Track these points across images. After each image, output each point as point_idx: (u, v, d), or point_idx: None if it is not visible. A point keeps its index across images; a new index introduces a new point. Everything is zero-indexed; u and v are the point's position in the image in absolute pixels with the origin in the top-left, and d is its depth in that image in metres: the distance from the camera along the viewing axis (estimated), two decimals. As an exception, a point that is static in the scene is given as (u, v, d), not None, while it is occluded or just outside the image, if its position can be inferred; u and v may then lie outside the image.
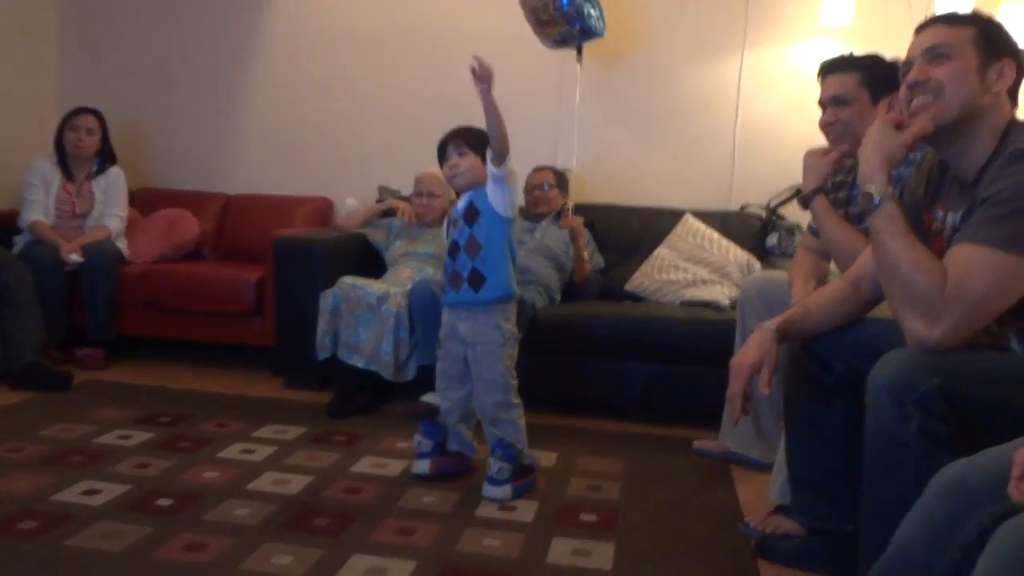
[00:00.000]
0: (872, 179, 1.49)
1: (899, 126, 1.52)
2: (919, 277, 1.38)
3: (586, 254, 3.26)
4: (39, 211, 3.48)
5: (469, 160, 2.23)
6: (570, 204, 3.45)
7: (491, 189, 2.20)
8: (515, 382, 2.25)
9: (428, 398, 2.69)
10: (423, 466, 2.27)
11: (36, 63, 4.12)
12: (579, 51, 3.51)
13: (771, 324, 1.69)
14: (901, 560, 1.17)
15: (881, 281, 1.49)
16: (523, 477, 2.21)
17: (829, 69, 2.10)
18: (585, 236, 3.33)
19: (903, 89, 1.54)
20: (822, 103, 2.11)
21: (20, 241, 3.46)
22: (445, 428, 2.31)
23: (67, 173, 3.57)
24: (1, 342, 3.05)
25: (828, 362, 1.72)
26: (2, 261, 3.18)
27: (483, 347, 2.21)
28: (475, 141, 2.24)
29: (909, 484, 1.31)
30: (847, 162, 2.14)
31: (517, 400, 2.25)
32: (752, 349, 1.64)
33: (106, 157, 3.66)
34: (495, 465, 2.16)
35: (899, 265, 1.42)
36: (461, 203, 2.27)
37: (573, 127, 3.71)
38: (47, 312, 3.22)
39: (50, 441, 2.43)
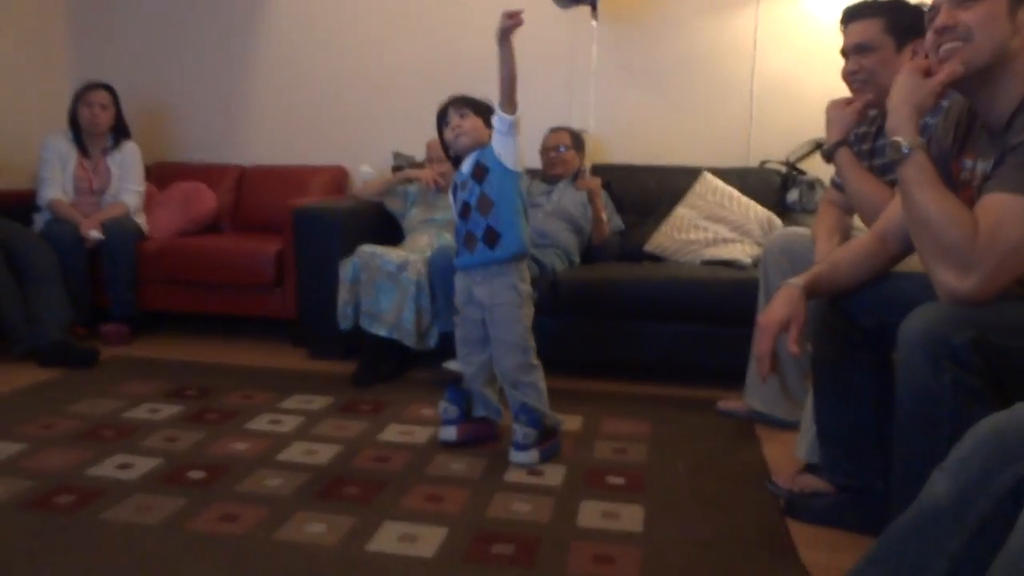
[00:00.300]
0: (900, 129, 1.45)
1: (927, 73, 1.48)
2: (950, 228, 1.36)
3: (604, 215, 3.23)
4: (57, 188, 3.48)
5: (471, 120, 2.23)
6: (587, 165, 3.42)
7: (499, 142, 2.18)
8: (533, 343, 2.25)
9: (451, 365, 2.72)
10: (450, 433, 2.29)
11: (47, 39, 4.10)
12: (594, 7, 3.43)
13: (798, 281, 1.67)
14: (931, 511, 1.16)
15: (911, 233, 1.47)
16: (548, 440, 2.22)
17: (851, 16, 2.04)
18: (603, 197, 3.30)
19: (930, 35, 1.50)
20: (844, 52, 2.06)
21: (40, 219, 3.48)
22: (470, 394, 2.31)
23: (82, 149, 3.57)
24: (27, 321, 3.09)
25: (856, 318, 1.70)
26: (26, 241, 3.21)
27: (501, 309, 2.20)
28: (474, 104, 2.25)
29: (943, 439, 1.29)
30: (871, 112, 2.10)
31: (536, 361, 2.25)
32: (779, 307, 1.62)
33: (120, 132, 3.66)
34: (520, 431, 2.17)
35: (929, 216, 1.39)
36: (466, 165, 2.25)
37: (588, 87, 3.66)
38: (70, 290, 3.24)
39: (81, 417, 2.47)
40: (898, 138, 1.44)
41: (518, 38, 2.08)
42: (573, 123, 3.55)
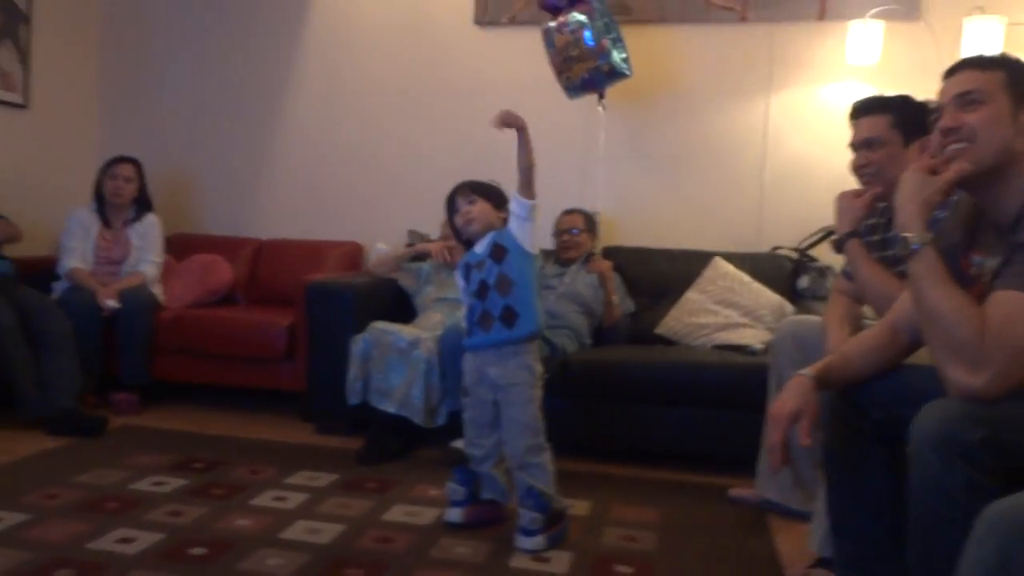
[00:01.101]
0: (909, 225, 1.47)
1: (934, 171, 1.51)
2: (960, 325, 1.36)
3: (615, 299, 3.25)
4: (77, 258, 3.55)
5: (479, 206, 2.27)
6: (598, 248, 3.46)
7: (517, 227, 2.22)
8: (544, 424, 2.23)
9: (458, 443, 2.69)
10: (456, 515, 2.25)
11: (76, 112, 4.25)
12: (601, 96, 3.50)
13: (809, 371, 1.66)
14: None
15: (921, 328, 1.47)
16: (555, 525, 2.18)
17: (861, 111, 2.10)
18: (615, 280, 3.33)
19: (935, 136, 1.53)
20: (854, 145, 2.10)
21: (58, 287, 3.53)
22: (478, 476, 2.29)
23: (105, 220, 3.66)
24: (38, 387, 3.10)
25: (868, 410, 1.68)
26: (42, 307, 3.25)
27: (516, 389, 2.20)
28: (481, 189, 2.30)
29: (958, 538, 1.26)
30: (880, 204, 2.13)
31: (546, 443, 2.23)
32: (791, 398, 1.61)
33: (143, 204, 3.74)
34: (527, 515, 2.13)
35: (939, 312, 1.40)
36: (481, 247, 2.27)
37: (599, 170, 3.72)
38: (83, 357, 3.26)
39: (85, 487, 2.45)
40: (907, 234, 1.46)
41: (531, 124, 2.15)
42: (585, 206, 3.60)
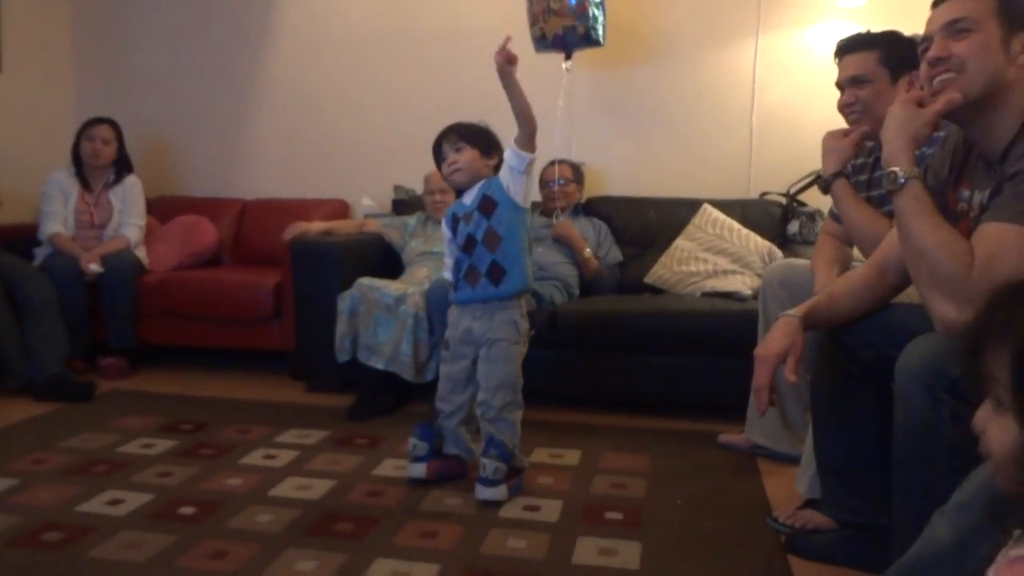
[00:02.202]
0: (897, 159, 1.44)
1: (921, 104, 1.48)
2: (946, 259, 1.34)
3: (588, 251, 3.21)
4: (58, 223, 3.50)
5: (467, 154, 2.18)
6: (584, 199, 3.45)
7: (510, 179, 2.14)
8: (522, 381, 2.21)
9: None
10: (420, 470, 2.22)
11: (51, 75, 4.15)
12: (567, 56, 3.37)
13: (796, 312, 1.65)
14: (931, 556, 1.13)
15: (907, 264, 1.45)
16: (514, 477, 2.16)
17: (846, 49, 2.05)
18: (603, 231, 3.31)
19: (923, 66, 1.49)
20: (840, 84, 2.06)
21: (40, 253, 3.48)
22: (440, 431, 2.26)
23: (85, 184, 3.59)
24: (24, 354, 3.07)
25: (855, 350, 1.68)
26: (24, 274, 3.21)
27: (499, 345, 2.16)
28: (470, 135, 2.19)
29: (942, 474, 1.27)
30: (868, 143, 2.09)
31: (520, 400, 2.21)
32: (777, 338, 1.60)
33: (123, 166, 3.68)
34: (490, 465, 2.09)
35: (925, 247, 1.37)
36: (470, 198, 2.20)
37: (585, 120, 3.66)
38: (69, 323, 3.23)
39: (74, 452, 2.44)
40: (894, 168, 1.43)
41: (521, 74, 2.07)
42: (572, 156, 3.55)
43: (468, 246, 2.19)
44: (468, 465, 2.29)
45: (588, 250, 3.22)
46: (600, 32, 3.25)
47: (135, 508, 2.03)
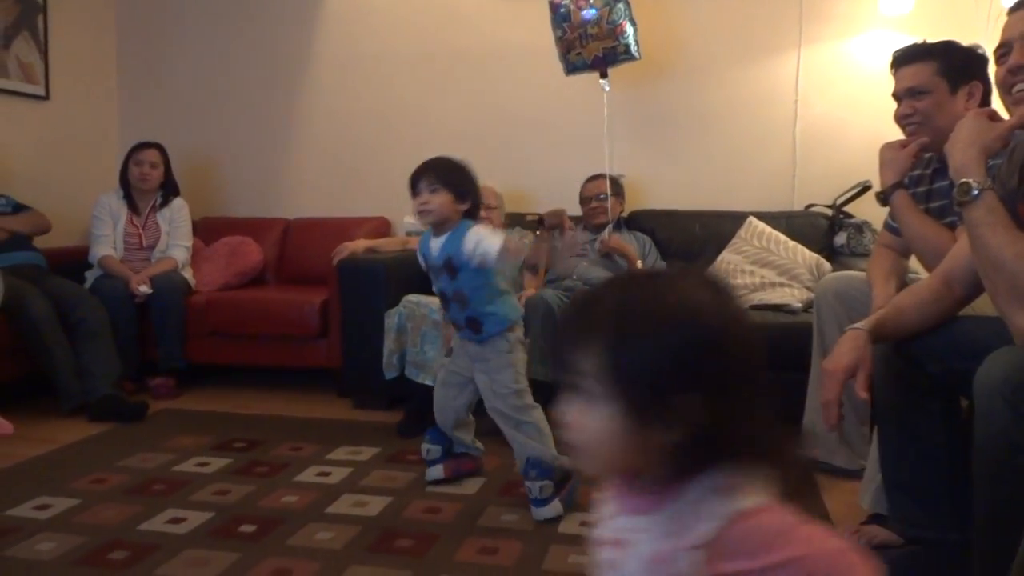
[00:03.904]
0: (968, 171, 1.42)
1: (992, 117, 1.46)
2: (1025, 270, 1.31)
3: (639, 264, 3.21)
4: (107, 245, 3.56)
5: (440, 197, 2.10)
6: (626, 212, 3.45)
7: (474, 255, 2.06)
8: (526, 384, 2.21)
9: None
10: (437, 471, 2.31)
11: (96, 102, 4.24)
12: (603, 75, 3.34)
13: (863, 325, 1.63)
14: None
15: (982, 276, 1.43)
16: (564, 486, 2.14)
17: (902, 60, 2.03)
18: (647, 244, 3.30)
19: (1001, 71, 1.47)
20: (897, 95, 2.04)
21: (90, 276, 3.54)
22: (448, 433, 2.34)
23: (133, 207, 3.66)
24: (78, 376, 3.12)
25: (923, 363, 1.65)
26: (76, 296, 3.26)
27: (495, 358, 2.18)
28: (447, 176, 2.13)
29: (1028, 488, 1.24)
30: (926, 155, 2.07)
31: (533, 402, 2.21)
32: (845, 352, 1.58)
33: (170, 189, 3.74)
34: (535, 487, 2.08)
35: (1002, 259, 1.35)
36: (436, 248, 2.15)
37: (623, 134, 3.65)
38: (119, 344, 3.28)
39: (132, 471, 2.47)
40: (967, 179, 1.41)
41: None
42: (612, 171, 3.54)
43: (442, 299, 2.23)
44: (480, 460, 2.40)
45: (640, 263, 3.21)
46: (636, 47, 3.26)
47: (197, 526, 2.05)
